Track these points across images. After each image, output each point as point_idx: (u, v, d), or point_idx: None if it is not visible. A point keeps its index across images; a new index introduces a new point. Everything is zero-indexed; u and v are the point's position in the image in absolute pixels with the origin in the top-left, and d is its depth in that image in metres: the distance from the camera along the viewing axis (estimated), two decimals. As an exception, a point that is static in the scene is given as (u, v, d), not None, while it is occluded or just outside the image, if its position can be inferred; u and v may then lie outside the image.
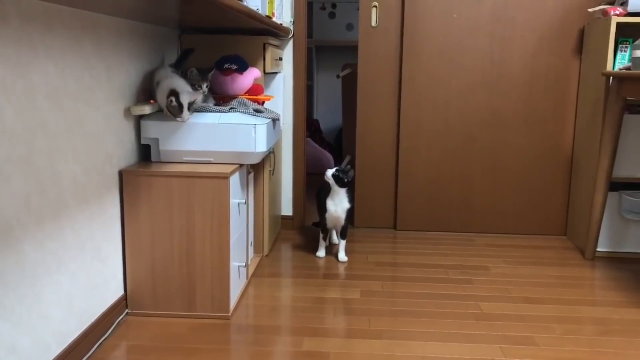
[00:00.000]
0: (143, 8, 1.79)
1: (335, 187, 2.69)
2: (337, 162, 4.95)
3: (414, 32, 3.17)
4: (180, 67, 2.36)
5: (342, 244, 2.82)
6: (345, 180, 2.67)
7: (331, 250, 2.94)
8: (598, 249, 2.93)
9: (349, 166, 2.72)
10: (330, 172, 2.68)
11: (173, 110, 2.13)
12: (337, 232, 2.89)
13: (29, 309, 1.54)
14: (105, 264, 1.99)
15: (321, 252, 2.86)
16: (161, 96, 2.15)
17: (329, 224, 2.80)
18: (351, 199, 2.75)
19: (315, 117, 5.79)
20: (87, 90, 1.83)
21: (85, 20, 1.79)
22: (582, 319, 2.20)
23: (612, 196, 2.89)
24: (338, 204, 2.72)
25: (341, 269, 2.69)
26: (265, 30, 2.60)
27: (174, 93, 2.11)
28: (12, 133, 1.44)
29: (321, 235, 2.86)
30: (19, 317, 1.50)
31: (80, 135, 1.79)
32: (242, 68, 2.47)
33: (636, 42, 2.52)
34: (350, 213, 2.77)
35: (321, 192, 2.80)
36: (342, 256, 2.80)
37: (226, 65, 2.47)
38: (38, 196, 1.57)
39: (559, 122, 3.20)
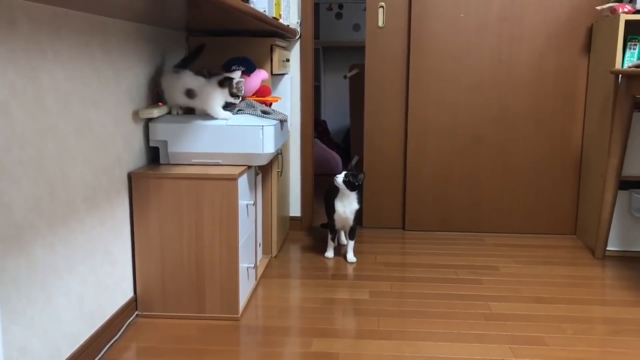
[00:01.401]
0: (151, 11, 1.80)
1: (346, 191, 2.69)
2: (345, 163, 4.95)
3: (421, 32, 3.17)
4: (187, 66, 2.35)
5: (351, 244, 2.82)
6: (356, 184, 2.66)
7: (340, 251, 2.94)
8: (608, 248, 2.91)
9: (352, 164, 2.72)
10: (340, 179, 2.66)
11: (241, 91, 2.22)
12: (345, 233, 2.89)
13: (40, 311, 1.55)
14: (115, 266, 2.00)
15: (330, 253, 2.86)
16: (209, 95, 2.21)
17: (338, 225, 2.80)
18: (360, 200, 2.75)
19: (322, 118, 5.79)
20: (96, 94, 1.84)
21: (93, 24, 1.80)
22: (592, 318, 2.19)
23: (622, 195, 2.87)
24: (347, 206, 2.72)
25: (350, 270, 2.69)
26: (272, 32, 2.60)
27: (230, 77, 2.20)
28: (22, 136, 1.46)
29: (329, 236, 2.86)
30: (30, 319, 1.51)
31: (89, 138, 1.80)
32: (250, 70, 2.48)
33: (645, 40, 2.51)
34: (359, 214, 2.76)
35: (330, 194, 2.80)
36: (350, 257, 2.80)
37: (234, 67, 2.48)
38: (48, 199, 1.58)
39: (568, 121, 3.18)
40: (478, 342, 1.98)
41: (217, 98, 2.21)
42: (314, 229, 3.33)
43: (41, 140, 1.54)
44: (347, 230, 2.81)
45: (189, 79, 2.23)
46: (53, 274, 1.61)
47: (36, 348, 1.54)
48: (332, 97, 5.87)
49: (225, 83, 2.20)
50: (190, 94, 2.22)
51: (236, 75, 2.22)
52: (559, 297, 2.39)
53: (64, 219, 1.66)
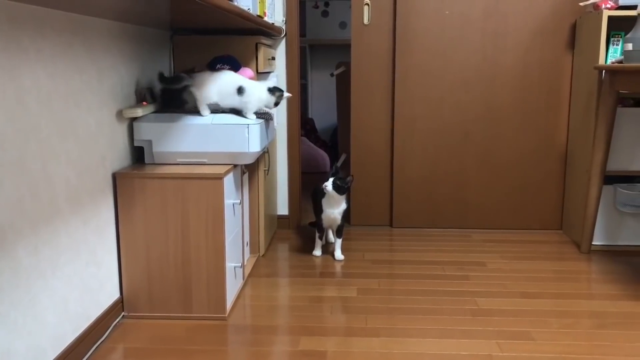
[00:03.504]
0: (134, 10, 1.78)
1: (336, 196, 2.68)
2: (333, 161, 4.95)
3: (406, 29, 3.17)
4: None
5: (339, 242, 2.82)
6: (346, 187, 2.67)
7: (327, 249, 2.94)
8: (594, 243, 2.93)
9: (338, 164, 2.72)
10: (330, 186, 2.63)
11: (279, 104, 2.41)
12: (333, 231, 2.89)
13: (24, 313, 1.54)
14: (100, 267, 1.98)
15: (318, 251, 2.86)
16: (256, 96, 2.29)
17: (325, 224, 2.80)
18: (348, 200, 2.76)
19: (310, 116, 5.79)
20: (79, 93, 1.82)
21: (75, 23, 1.78)
22: (578, 312, 2.20)
23: (607, 190, 2.89)
24: (335, 207, 2.72)
25: (338, 268, 2.69)
26: (257, 30, 2.59)
27: (281, 89, 2.36)
28: (3, 137, 1.44)
29: (317, 235, 2.86)
30: (14, 322, 1.50)
31: (72, 139, 1.78)
32: (235, 68, 2.47)
33: (628, 36, 2.52)
34: (346, 213, 2.77)
35: (317, 193, 2.80)
36: (338, 254, 2.80)
37: (219, 66, 2.47)
38: (31, 200, 1.56)
39: (553, 117, 3.20)
40: (465, 338, 1.99)
41: (262, 101, 2.30)
42: (302, 228, 3.33)
43: (23, 141, 1.52)
44: (335, 228, 2.81)
45: (237, 77, 2.30)
46: (37, 275, 1.60)
47: (20, 351, 1.53)
48: (319, 95, 5.86)
49: (276, 93, 2.33)
50: (240, 90, 2.25)
51: (286, 92, 2.43)
52: (545, 291, 2.40)
53: (48, 220, 1.65)
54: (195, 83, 2.25)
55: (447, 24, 3.16)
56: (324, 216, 2.75)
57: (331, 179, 2.65)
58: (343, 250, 2.84)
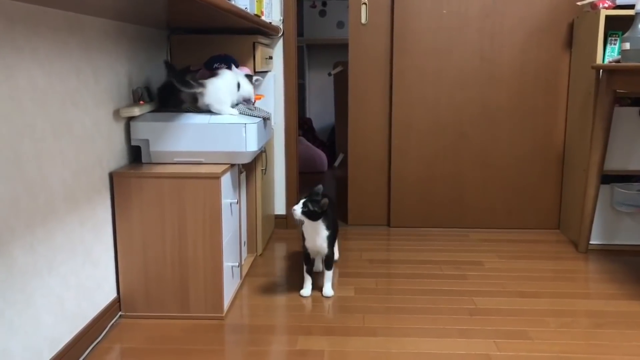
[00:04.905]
0: (131, 9, 1.78)
1: (307, 221, 2.23)
2: (331, 161, 4.95)
3: (403, 29, 3.17)
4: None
5: (329, 275, 2.36)
6: (320, 211, 2.20)
7: (318, 281, 2.45)
8: (591, 242, 2.94)
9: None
10: (299, 211, 2.18)
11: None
12: (322, 261, 2.43)
13: (19, 313, 1.53)
14: (97, 267, 1.98)
15: (306, 290, 2.37)
16: (250, 87, 2.42)
17: (312, 254, 2.37)
18: (329, 225, 2.28)
19: (308, 115, 5.79)
20: (75, 93, 1.82)
21: (71, 22, 1.78)
22: (576, 312, 2.20)
23: (604, 189, 2.89)
24: (314, 235, 2.28)
25: (335, 267, 2.68)
26: (254, 29, 2.59)
27: (251, 75, 2.49)
28: (-2, 137, 1.43)
29: (305, 268, 2.37)
30: (9, 322, 1.49)
31: (68, 138, 1.78)
32: (232, 68, 2.46)
33: (625, 35, 2.52)
34: (332, 240, 2.32)
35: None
36: (327, 290, 2.36)
37: (216, 65, 2.47)
38: (27, 200, 1.56)
39: (550, 116, 3.20)
40: (463, 337, 1.99)
41: (251, 92, 2.43)
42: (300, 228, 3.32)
43: (18, 141, 1.52)
44: (323, 258, 2.36)
45: (233, 74, 2.34)
46: (33, 275, 1.59)
47: (16, 351, 1.52)
48: (317, 94, 5.86)
49: (252, 79, 2.45)
50: (239, 86, 2.33)
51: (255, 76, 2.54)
52: (542, 291, 2.40)
53: (44, 219, 1.64)
54: (207, 93, 2.20)
55: (444, 24, 3.16)
56: (307, 244, 2.32)
57: (302, 201, 2.19)
58: (340, 251, 2.83)
